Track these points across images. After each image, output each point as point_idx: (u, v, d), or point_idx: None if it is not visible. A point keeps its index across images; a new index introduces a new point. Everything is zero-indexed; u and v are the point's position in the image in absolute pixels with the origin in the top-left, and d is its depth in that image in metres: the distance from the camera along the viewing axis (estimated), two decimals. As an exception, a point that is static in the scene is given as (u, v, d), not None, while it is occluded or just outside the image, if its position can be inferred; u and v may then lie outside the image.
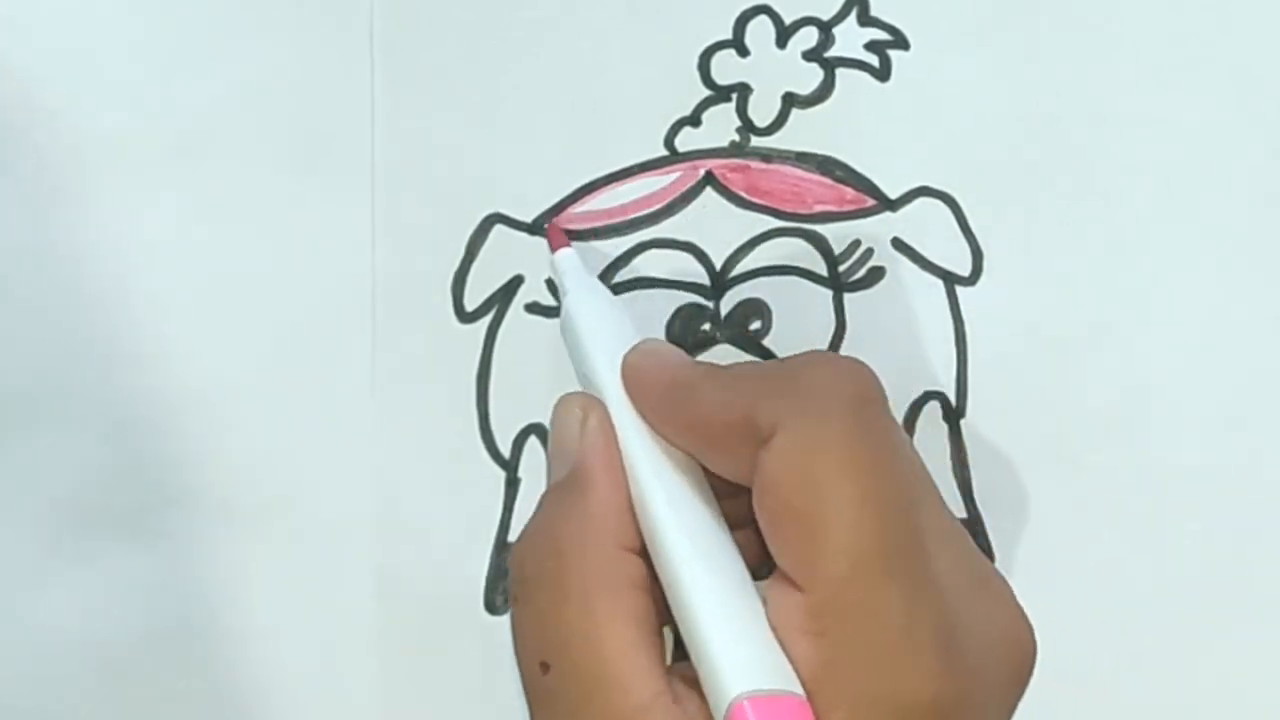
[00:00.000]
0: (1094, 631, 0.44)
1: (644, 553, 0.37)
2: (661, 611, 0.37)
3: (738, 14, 0.45)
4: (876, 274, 0.45)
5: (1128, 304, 0.45)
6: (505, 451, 0.45)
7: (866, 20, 0.45)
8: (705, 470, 0.38)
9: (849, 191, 0.45)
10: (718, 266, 0.45)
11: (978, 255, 0.45)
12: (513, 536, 0.45)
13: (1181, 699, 0.44)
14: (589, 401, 0.39)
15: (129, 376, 0.45)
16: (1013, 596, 0.37)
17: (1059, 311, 0.45)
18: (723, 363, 0.44)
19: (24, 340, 0.45)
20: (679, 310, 0.45)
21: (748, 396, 0.36)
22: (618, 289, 0.45)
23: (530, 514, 0.44)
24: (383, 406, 0.45)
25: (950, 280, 0.45)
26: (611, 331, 0.40)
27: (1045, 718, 0.37)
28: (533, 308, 0.45)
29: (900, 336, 0.45)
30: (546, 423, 0.44)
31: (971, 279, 0.45)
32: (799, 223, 0.45)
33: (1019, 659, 0.37)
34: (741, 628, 0.35)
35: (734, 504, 0.38)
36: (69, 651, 0.44)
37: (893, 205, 0.45)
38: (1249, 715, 0.44)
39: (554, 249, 0.43)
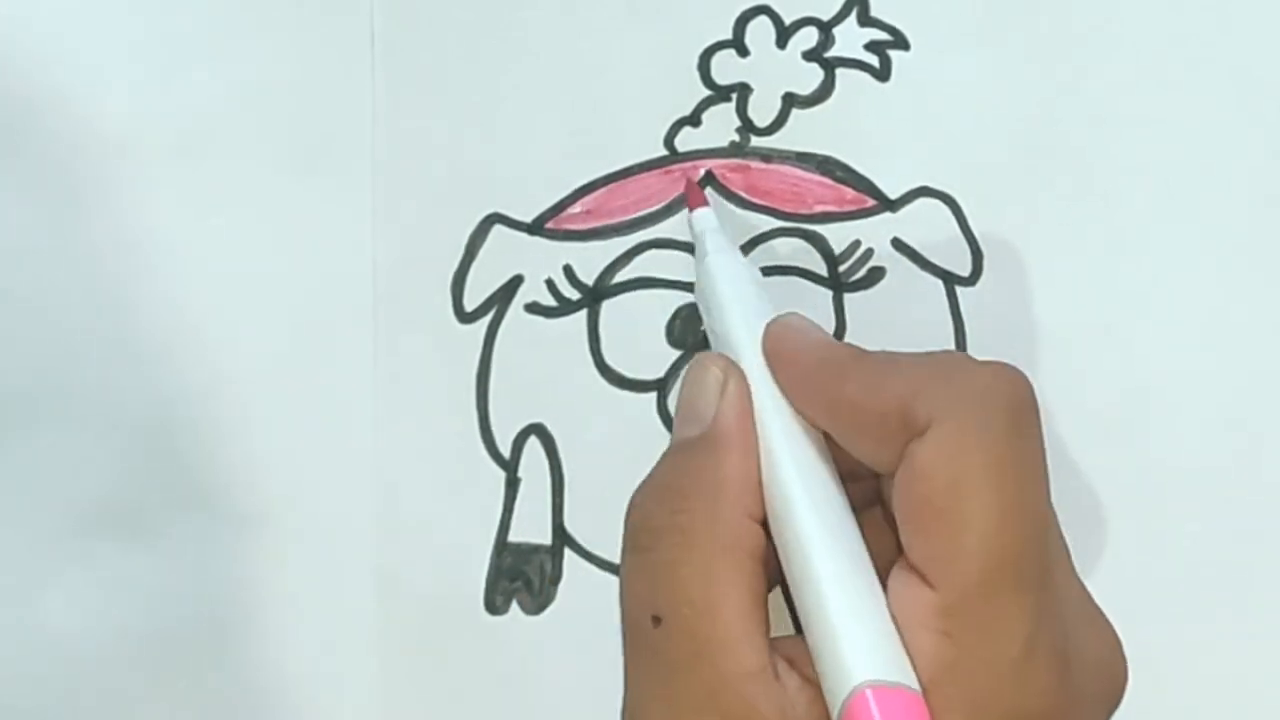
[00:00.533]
0: (1094, 631, 0.44)
1: (764, 525, 0.37)
2: (771, 585, 0.37)
3: (738, 14, 0.45)
4: (876, 274, 0.45)
5: (1128, 304, 0.45)
6: (505, 451, 0.45)
7: (866, 20, 0.45)
8: (834, 450, 0.38)
9: (849, 191, 0.45)
10: (718, 266, 0.45)
11: (978, 255, 0.45)
12: (513, 536, 0.45)
13: (1181, 699, 0.44)
14: (729, 365, 0.38)
15: (129, 376, 0.45)
16: (1110, 624, 0.38)
17: (1059, 311, 0.45)
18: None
19: (24, 340, 0.45)
20: (679, 310, 0.45)
21: (906, 385, 0.36)
22: (618, 289, 0.45)
23: (531, 513, 0.45)
24: (383, 406, 0.45)
25: (950, 280, 0.45)
26: (751, 298, 0.40)
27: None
28: (533, 308, 0.45)
29: (900, 336, 0.44)
30: (547, 423, 0.45)
31: (971, 279, 0.45)
32: (799, 223, 0.45)
33: (1115, 683, 0.37)
34: (867, 614, 0.35)
35: (857, 488, 0.38)
36: (69, 651, 0.44)
37: (893, 205, 0.45)
38: (1249, 715, 0.44)
39: (692, 207, 0.43)
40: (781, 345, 0.38)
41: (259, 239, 0.45)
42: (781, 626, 0.38)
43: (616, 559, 0.44)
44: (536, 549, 0.45)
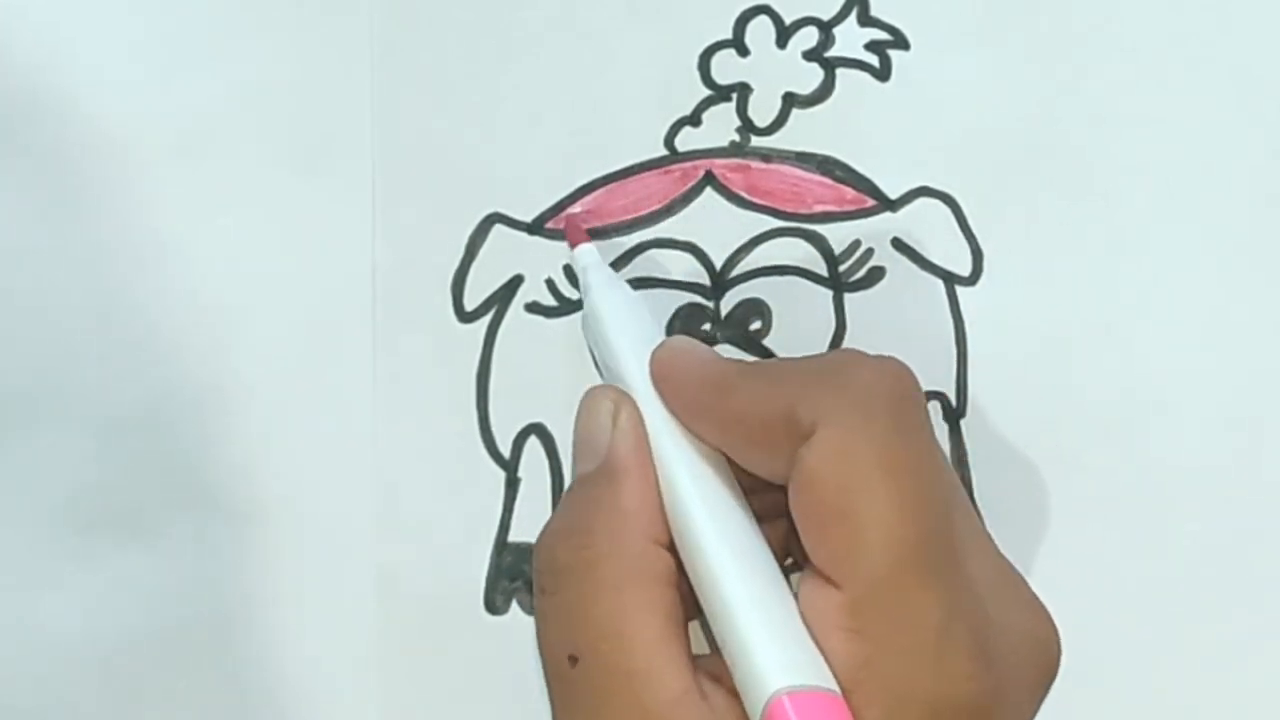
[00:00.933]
0: (1094, 631, 0.44)
1: (672, 548, 0.37)
2: (688, 607, 0.37)
3: (738, 14, 0.45)
4: (876, 274, 0.45)
5: (1128, 304, 0.45)
6: (505, 451, 0.45)
7: (866, 20, 0.45)
8: (733, 466, 0.38)
9: (849, 191, 0.45)
10: (718, 266, 0.45)
11: (978, 255, 0.45)
12: (513, 536, 0.45)
13: (1181, 698, 0.44)
14: (620, 396, 0.39)
15: (129, 376, 0.45)
16: (1037, 598, 0.37)
17: (1059, 311, 0.45)
18: (723, 363, 0.44)
19: (24, 340, 0.45)
20: (679, 310, 0.45)
21: (788, 392, 0.36)
22: (618, 289, 0.45)
23: (531, 513, 0.45)
24: (383, 406, 0.45)
25: (950, 280, 0.45)
26: (637, 326, 0.40)
27: (1045, 715, 0.37)
28: (533, 307, 0.45)
29: (900, 336, 0.45)
30: (547, 422, 0.45)
31: (971, 279, 0.45)
32: (799, 223, 0.45)
33: (1046, 659, 0.37)
34: (777, 623, 0.35)
35: (760, 500, 0.38)
36: (69, 651, 0.44)
37: (893, 205, 0.45)
38: (1249, 715, 0.44)
39: (573, 244, 0.43)
40: (667, 368, 0.39)
41: (259, 239, 0.45)
42: (704, 646, 0.38)
43: (616, 559, 0.44)
44: (536, 549, 0.45)
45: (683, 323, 0.45)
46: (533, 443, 0.45)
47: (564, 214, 0.45)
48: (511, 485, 0.45)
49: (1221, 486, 0.44)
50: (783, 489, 0.36)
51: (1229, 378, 0.45)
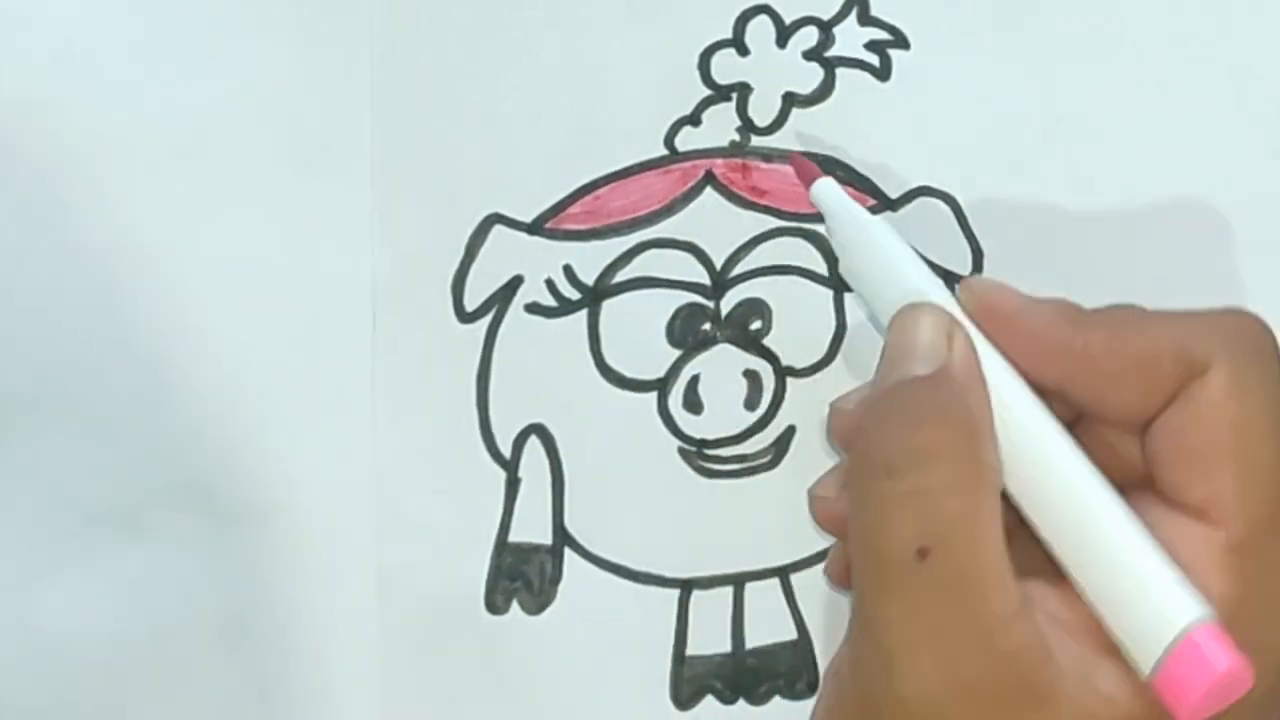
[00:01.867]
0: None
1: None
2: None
3: (738, 14, 0.45)
4: (877, 274, 0.45)
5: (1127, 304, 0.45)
6: (505, 451, 0.45)
7: (866, 20, 0.45)
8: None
9: (849, 191, 0.45)
10: (718, 266, 0.45)
11: (978, 255, 0.45)
12: (513, 536, 0.45)
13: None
14: (949, 319, 0.38)
15: (129, 377, 0.45)
16: None
17: (1059, 311, 0.45)
18: (723, 363, 0.44)
19: (24, 340, 0.45)
20: (679, 310, 0.45)
21: (1179, 328, 0.36)
22: (618, 289, 0.45)
23: (531, 513, 0.45)
24: (383, 406, 0.45)
25: (950, 280, 0.45)
26: (919, 261, 0.40)
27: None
28: (533, 308, 0.45)
29: (900, 336, 0.45)
30: (547, 422, 0.45)
31: (971, 279, 0.45)
32: (799, 222, 0.45)
33: None
34: (1161, 557, 0.35)
35: None
36: (69, 651, 0.44)
37: (893, 205, 0.45)
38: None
39: (808, 183, 0.41)
40: (998, 303, 0.38)
41: (259, 239, 0.45)
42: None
43: (617, 559, 0.44)
44: (537, 549, 0.45)
45: (683, 323, 0.45)
46: (533, 443, 0.45)
47: (792, 155, 0.44)
48: (511, 485, 0.45)
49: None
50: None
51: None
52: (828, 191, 0.41)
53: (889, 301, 0.39)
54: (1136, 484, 0.37)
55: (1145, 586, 0.34)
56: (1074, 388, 0.37)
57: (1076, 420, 0.38)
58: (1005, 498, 0.36)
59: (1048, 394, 0.37)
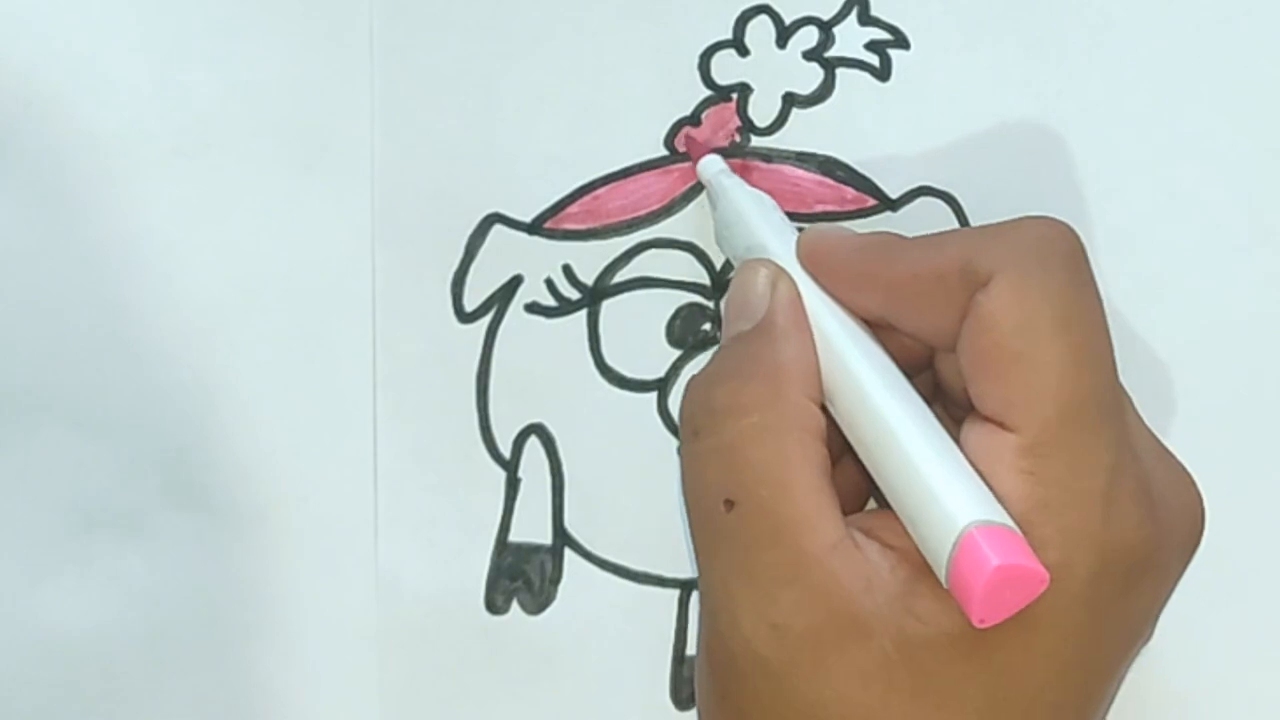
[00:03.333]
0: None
1: (824, 410, 0.38)
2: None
3: (738, 14, 0.45)
4: (877, 274, 0.45)
5: (1128, 304, 0.44)
6: (505, 451, 0.45)
7: (866, 20, 0.45)
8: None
9: (849, 191, 0.45)
10: (718, 266, 0.45)
11: (978, 255, 0.45)
12: (513, 536, 0.45)
13: (1179, 698, 0.44)
14: (776, 267, 0.40)
15: (129, 376, 0.45)
16: (1183, 465, 0.39)
17: (1059, 311, 0.45)
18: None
19: (24, 340, 0.45)
20: (679, 310, 0.45)
21: (965, 244, 0.37)
22: (618, 289, 0.45)
23: (531, 513, 0.45)
24: (383, 406, 0.45)
25: (950, 280, 0.45)
26: (776, 218, 0.42)
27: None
28: (532, 308, 0.45)
29: (900, 336, 0.45)
30: (547, 423, 0.45)
31: (972, 279, 0.45)
32: (799, 222, 0.45)
33: (1194, 522, 0.39)
34: (955, 465, 0.36)
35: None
36: (68, 651, 0.44)
37: (893, 205, 0.45)
38: (1248, 714, 0.44)
39: (696, 158, 0.44)
40: (820, 245, 0.40)
41: (258, 239, 0.45)
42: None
43: (617, 559, 0.44)
44: (537, 549, 0.45)
45: (683, 323, 0.45)
46: (533, 443, 0.45)
47: (682, 132, 0.45)
48: (511, 485, 0.45)
49: (1222, 486, 0.44)
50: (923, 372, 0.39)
51: (1229, 377, 0.45)
52: (708, 165, 0.44)
53: (739, 260, 0.41)
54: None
55: (933, 494, 0.36)
56: (889, 315, 0.38)
57: (932, 355, 0.40)
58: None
59: (880, 327, 0.39)
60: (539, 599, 0.44)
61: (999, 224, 0.38)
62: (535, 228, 0.45)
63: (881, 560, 0.36)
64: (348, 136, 0.45)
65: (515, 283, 0.45)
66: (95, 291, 0.45)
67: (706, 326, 0.45)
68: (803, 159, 0.45)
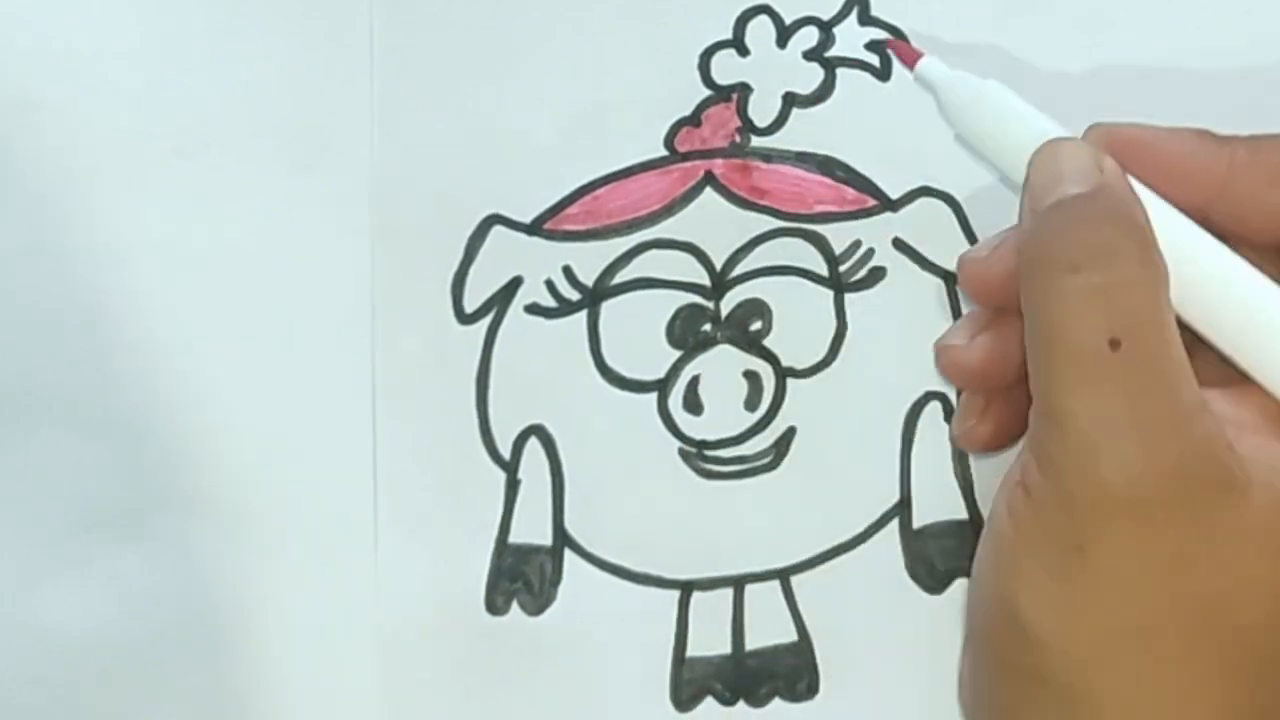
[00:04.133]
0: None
1: None
2: None
3: (738, 14, 0.45)
4: (877, 274, 0.45)
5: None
6: (505, 452, 0.45)
7: (867, 20, 0.45)
8: None
9: (850, 191, 0.45)
10: (718, 266, 0.45)
11: (979, 255, 0.45)
12: (513, 537, 0.45)
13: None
14: (1096, 150, 0.39)
15: (128, 377, 0.45)
16: None
17: (1060, 312, 0.45)
18: (723, 364, 0.44)
19: (24, 340, 0.45)
20: (679, 310, 0.45)
21: None
22: (618, 290, 0.45)
23: (531, 514, 0.45)
24: (383, 407, 0.45)
25: (951, 280, 0.45)
26: (1038, 113, 0.41)
27: None
28: (532, 308, 0.45)
29: (901, 336, 0.45)
30: (547, 423, 0.45)
31: (973, 279, 0.45)
32: (799, 223, 0.45)
33: None
34: None
35: None
36: (66, 651, 0.44)
37: (893, 205, 0.45)
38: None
39: (911, 64, 0.43)
40: (1129, 135, 0.39)
41: (258, 239, 0.45)
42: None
43: (617, 560, 0.44)
44: (537, 549, 0.45)
45: (683, 323, 0.45)
46: (533, 443, 0.45)
47: (890, 41, 0.45)
48: (511, 486, 0.45)
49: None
50: None
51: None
52: (932, 68, 0.43)
53: (1022, 148, 0.40)
54: None
55: None
56: (1218, 208, 0.38)
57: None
58: None
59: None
60: (539, 600, 0.44)
61: None
62: (535, 228, 0.45)
63: (1226, 428, 0.36)
64: (348, 136, 0.45)
65: (515, 284, 0.45)
66: (95, 292, 0.45)
67: (706, 326, 0.45)
68: (803, 159, 0.45)
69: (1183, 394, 0.36)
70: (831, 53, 0.45)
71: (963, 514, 0.44)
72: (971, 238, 0.45)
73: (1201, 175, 0.39)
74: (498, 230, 0.45)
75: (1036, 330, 0.37)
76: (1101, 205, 0.38)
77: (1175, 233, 0.38)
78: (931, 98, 0.45)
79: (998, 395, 0.42)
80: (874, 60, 0.45)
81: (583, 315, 0.45)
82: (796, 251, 0.45)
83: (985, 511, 0.44)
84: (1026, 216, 0.39)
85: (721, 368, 0.45)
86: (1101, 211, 0.37)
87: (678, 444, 0.44)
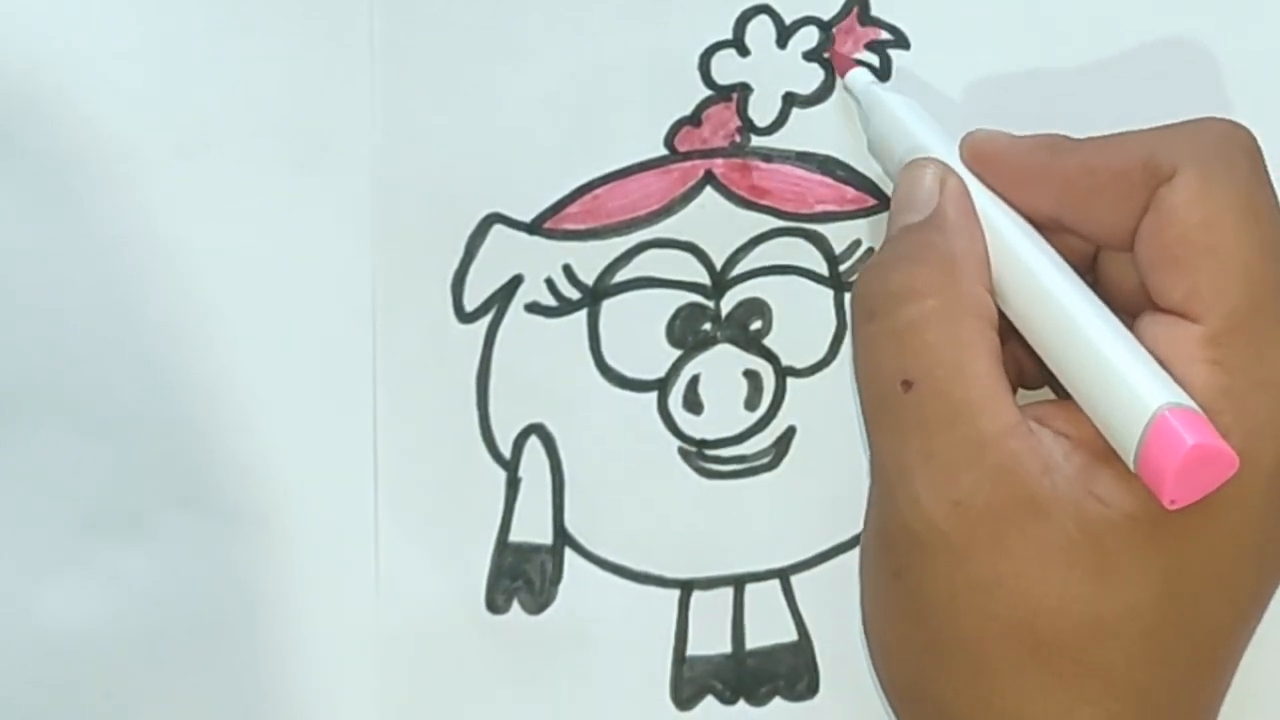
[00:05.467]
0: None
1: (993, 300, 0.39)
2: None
3: (738, 14, 0.45)
4: (877, 274, 0.45)
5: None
6: (505, 452, 0.45)
7: (867, 20, 0.45)
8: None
9: (850, 191, 0.45)
10: (718, 266, 0.45)
11: (978, 255, 0.45)
12: (513, 537, 0.45)
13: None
14: (943, 165, 0.40)
15: (129, 376, 0.45)
16: None
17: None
18: (723, 363, 0.44)
19: (24, 340, 0.45)
20: (679, 310, 0.45)
21: (1144, 142, 0.38)
22: (618, 289, 0.45)
23: (531, 513, 0.45)
24: (383, 406, 0.45)
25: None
26: (933, 125, 0.42)
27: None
28: (532, 308, 0.45)
29: (901, 336, 0.45)
30: (547, 422, 0.45)
31: (972, 279, 0.45)
32: (800, 222, 0.45)
33: None
34: (1138, 352, 0.36)
35: None
36: (68, 651, 0.44)
37: (893, 205, 0.45)
38: (1248, 715, 0.44)
39: (842, 72, 0.44)
40: (988, 145, 0.40)
41: (258, 239, 0.45)
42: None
43: (617, 559, 0.44)
44: (537, 549, 0.45)
45: (683, 323, 0.45)
46: (533, 443, 0.45)
47: (832, 48, 0.45)
48: (512, 485, 0.45)
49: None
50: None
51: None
52: (857, 77, 0.44)
53: (898, 164, 0.41)
54: (1147, 306, 0.38)
55: (1123, 380, 0.36)
56: (1062, 212, 0.39)
57: (1094, 255, 0.40)
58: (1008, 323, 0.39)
59: (1046, 227, 0.39)
60: (539, 599, 0.44)
61: (1176, 124, 0.39)
62: (535, 228, 0.45)
63: (1055, 445, 0.37)
64: (348, 136, 0.45)
65: (515, 283, 0.45)
66: (95, 291, 0.45)
67: (706, 326, 0.45)
68: (803, 158, 0.45)
69: (980, 423, 0.37)
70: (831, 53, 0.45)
71: (963, 513, 0.44)
72: (971, 237, 0.45)
73: (1045, 182, 0.39)
74: (498, 229, 0.45)
75: (855, 375, 0.39)
76: (912, 241, 0.39)
77: (1008, 247, 0.39)
78: (931, 98, 0.45)
79: None
80: (874, 60, 0.45)
81: (583, 314, 0.45)
82: (797, 251, 0.45)
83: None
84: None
85: (721, 367, 0.45)
86: (905, 250, 0.39)
87: (678, 443, 0.44)
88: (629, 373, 0.45)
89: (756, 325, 0.45)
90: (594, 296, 0.45)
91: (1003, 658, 0.37)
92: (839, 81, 0.45)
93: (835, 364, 0.45)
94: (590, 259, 0.45)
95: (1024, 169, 0.39)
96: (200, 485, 0.45)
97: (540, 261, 0.45)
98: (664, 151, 0.45)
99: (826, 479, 0.44)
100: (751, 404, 0.45)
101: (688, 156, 0.45)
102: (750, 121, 0.45)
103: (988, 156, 0.40)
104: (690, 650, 0.44)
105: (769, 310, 0.45)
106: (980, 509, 0.36)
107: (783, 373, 0.45)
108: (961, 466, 0.37)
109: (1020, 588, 0.36)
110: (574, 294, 0.45)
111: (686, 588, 0.44)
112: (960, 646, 0.37)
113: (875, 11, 0.45)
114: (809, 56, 0.45)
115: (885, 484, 0.38)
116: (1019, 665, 0.37)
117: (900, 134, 0.42)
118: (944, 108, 0.45)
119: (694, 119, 0.45)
